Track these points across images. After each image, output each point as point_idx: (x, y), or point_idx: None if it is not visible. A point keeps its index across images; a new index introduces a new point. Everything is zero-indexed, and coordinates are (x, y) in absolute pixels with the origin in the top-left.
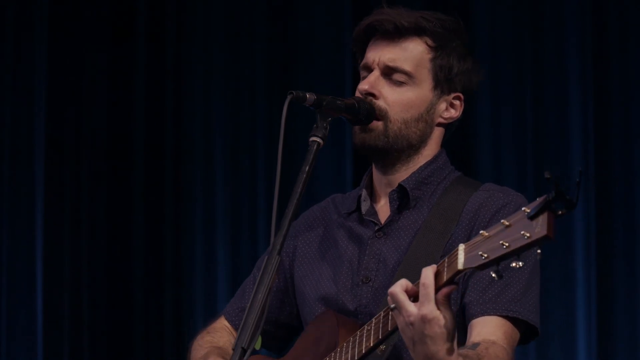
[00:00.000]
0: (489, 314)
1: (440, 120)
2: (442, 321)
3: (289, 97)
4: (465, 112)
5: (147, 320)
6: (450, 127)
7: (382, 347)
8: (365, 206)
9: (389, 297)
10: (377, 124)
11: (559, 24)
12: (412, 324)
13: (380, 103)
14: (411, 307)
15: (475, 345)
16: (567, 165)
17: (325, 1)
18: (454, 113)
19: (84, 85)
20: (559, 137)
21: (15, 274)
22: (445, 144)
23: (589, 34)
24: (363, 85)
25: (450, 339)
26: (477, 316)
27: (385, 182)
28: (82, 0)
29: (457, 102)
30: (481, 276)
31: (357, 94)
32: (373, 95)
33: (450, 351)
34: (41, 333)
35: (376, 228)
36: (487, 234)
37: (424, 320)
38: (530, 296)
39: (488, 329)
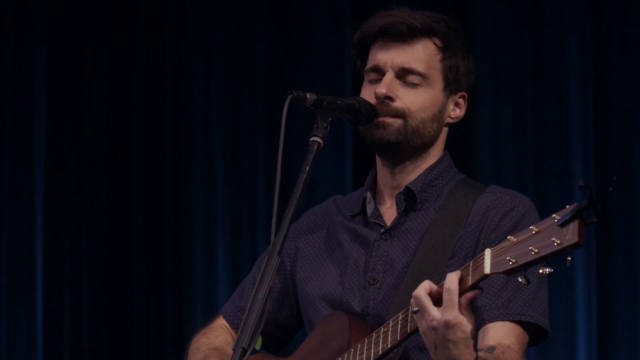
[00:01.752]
0: (502, 319)
1: (448, 120)
2: (465, 326)
3: (289, 97)
4: (465, 112)
5: (147, 320)
6: (451, 127)
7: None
8: (370, 208)
9: (412, 300)
10: (397, 121)
11: (559, 24)
12: (434, 328)
13: (397, 104)
14: (435, 312)
15: (492, 348)
16: (567, 165)
17: (325, 1)
18: (459, 112)
19: (84, 85)
20: (559, 137)
21: (15, 274)
22: (446, 144)
23: (589, 34)
24: (380, 89)
25: (472, 343)
26: (490, 321)
27: (392, 183)
28: (82, 0)
29: (461, 102)
30: (492, 280)
31: (364, 96)
32: (390, 98)
33: (471, 355)
34: (41, 333)
35: (382, 230)
36: (515, 239)
37: (447, 325)
38: (541, 299)
39: (501, 334)
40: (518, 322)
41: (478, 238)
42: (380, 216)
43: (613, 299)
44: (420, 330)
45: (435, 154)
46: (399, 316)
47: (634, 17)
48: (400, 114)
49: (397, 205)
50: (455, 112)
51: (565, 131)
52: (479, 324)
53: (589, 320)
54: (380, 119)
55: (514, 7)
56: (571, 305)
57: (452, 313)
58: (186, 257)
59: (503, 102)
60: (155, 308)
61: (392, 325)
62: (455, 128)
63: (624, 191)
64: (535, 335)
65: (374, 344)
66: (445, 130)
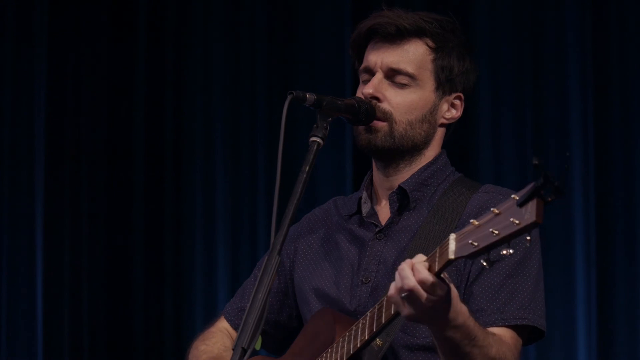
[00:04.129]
0: (499, 325)
1: (443, 120)
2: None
3: (289, 97)
4: (465, 112)
5: (147, 320)
6: (450, 128)
7: (380, 342)
8: (365, 208)
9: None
10: (382, 125)
11: (559, 24)
12: (411, 289)
13: (384, 106)
14: (410, 276)
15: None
16: (567, 165)
17: (326, 1)
18: (455, 113)
19: (84, 85)
20: (559, 137)
21: (15, 274)
22: (445, 143)
23: (589, 34)
24: (367, 89)
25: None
26: (486, 326)
27: (387, 184)
28: (82, 0)
29: (457, 102)
30: (488, 282)
31: (361, 97)
32: (377, 98)
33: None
34: (41, 333)
35: (376, 230)
36: (477, 222)
37: (422, 282)
38: (538, 299)
39: (498, 332)
40: (515, 326)
41: None
42: (375, 216)
43: (613, 298)
44: (415, 309)
45: (430, 154)
46: (374, 308)
47: (634, 17)
48: (387, 117)
49: (390, 204)
50: (451, 112)
51: (565, 131)
52: None
53: (589, 320)
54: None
55: (514, 7)
56: (571, 305)
57: (423, 273)
58: (186, 257)
59: (503, 102)
60: (155, 308)
61: (369, 318)
62: (456, 128)
63: (624, 191)
64: (531, 334)
65: (353, 337)
66: (440, 130)
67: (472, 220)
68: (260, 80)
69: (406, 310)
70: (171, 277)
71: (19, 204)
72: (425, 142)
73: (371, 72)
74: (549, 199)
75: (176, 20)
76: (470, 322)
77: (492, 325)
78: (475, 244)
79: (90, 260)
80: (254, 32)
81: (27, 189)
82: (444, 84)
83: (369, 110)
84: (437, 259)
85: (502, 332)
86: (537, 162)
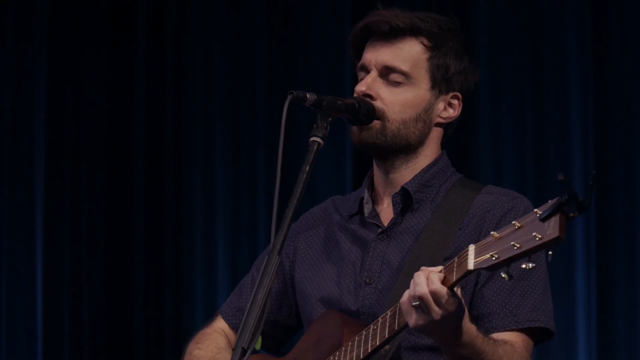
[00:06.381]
0: (512, 328)
1: (439, 120)
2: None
3: (289, 97)
4: (465, 112)
5: (147, 320)
6: (449, 127)
7: (387, 347)
8: (367, 208)
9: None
10: (375, 123)
11: (559, 24)
12: (421, 297)
13: (377, 104)
14: (423, 284)
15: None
16: (567, 165)
17: (325, 1)
18: (452, 113)
19: (84, 85)
20: (559, 137)
21: (15, 274)
22: (445, 144)
23: (589, 34)
24: (360, 87)
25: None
26: (498, 330)
27: (388, 184)
28: (82, 1)
29: (455, 102)
30: (499, 285)
31: (355, 95)
32: (370, 96)
33: (469, 328)
34: (41, 333)
35: (379, 230)
36: (497, 234)
37: (434, 293)
38: (547, 301)
39: (509, 339)
40: (527, 328)
41: (478, 239)
42: (377, 216)
43: (613, 298)
44: (422, 320)
45: (427, 154)
46: (387, 314)
47: (634, 17)
48: (380, 115)
49: (393, 205)
50: (448, 112)
51: (565, 131)
52: (486, 331)
53: (589, 320)
54: None
55: (514, 7)
56: (571, 305)
57: (436, 284)
58: (186, 257)
59: (503, 102)
60: (155, 308)
61: (381, 323)
62: (455, 128)
63: (624, 191)
64: (540, 335)
65: (364, 342)
66: (437, 130)
67: (492, 233)
68: (260, 80)
69: (414, 319)
70: (171, 277)
71: (19, 204)
72: (420, 141)
73: (367, 70)
74: (572, 215)
75: (176, 20)
76: (478, 340)
77: (504, 329)
78: (496, 256)
79: (90, 260)
80: (254, 32)
81: (27, 189)
82: (440, 83)
83: (369, 110)
84: (455, 269)
85: (513, 338)
86: (562, 178)
